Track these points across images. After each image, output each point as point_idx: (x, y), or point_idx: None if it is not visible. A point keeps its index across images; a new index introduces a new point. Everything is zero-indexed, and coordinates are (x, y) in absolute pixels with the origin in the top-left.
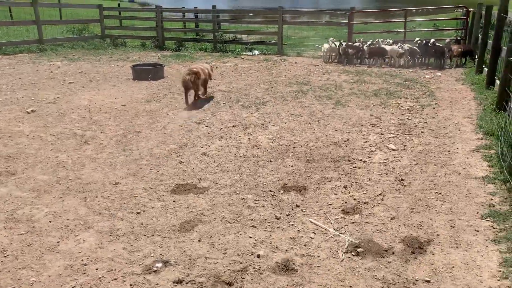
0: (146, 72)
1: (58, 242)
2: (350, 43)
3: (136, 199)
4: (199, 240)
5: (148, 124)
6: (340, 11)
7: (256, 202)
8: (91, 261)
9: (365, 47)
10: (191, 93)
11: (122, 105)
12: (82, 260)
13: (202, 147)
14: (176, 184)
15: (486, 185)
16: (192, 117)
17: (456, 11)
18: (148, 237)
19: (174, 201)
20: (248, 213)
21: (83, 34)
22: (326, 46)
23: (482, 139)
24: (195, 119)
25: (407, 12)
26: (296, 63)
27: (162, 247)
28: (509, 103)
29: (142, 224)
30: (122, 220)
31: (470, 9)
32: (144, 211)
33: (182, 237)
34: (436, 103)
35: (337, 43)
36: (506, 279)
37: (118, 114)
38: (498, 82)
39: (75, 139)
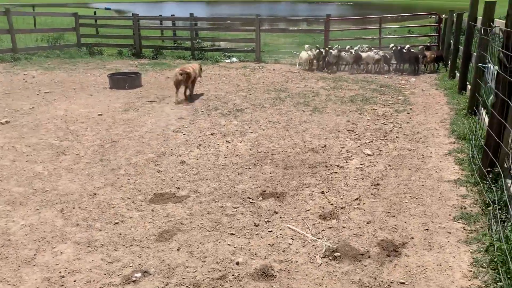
0: (123, 81)
1: (35, 254)
2: (338, 51)
3: (114, 209)
4: (178, 249)
5: (126, 134)
6: (316, 18)
7: (235, 209)
8: (69, 273)
9: (343, 54)
10: (182, 90)
11: (99, 115)
12: (59, 272)
13: (180, 156)
14: (155, 194)
15: (458, 188)
16: (170, 125)
17: (430, 17)
18: (126, 247)
19: (152, 211)
20: (227, 221)
21: (59, 42)
22: (304, 54)
23: (454, 143)
24: (173, 127)
25: (381, 19)
26: (274, 70)
27: (141, 257)
28: (480, 108)
29: (120, 234)
30: (100, 230)
31: (442, 16)
32: (122, 221)
33: (161, 246)
34: (410, 108)
35: (322, 50)
36: (476, 279)
37: (95, 124)
38: (469, 87)
39: (51, 150)
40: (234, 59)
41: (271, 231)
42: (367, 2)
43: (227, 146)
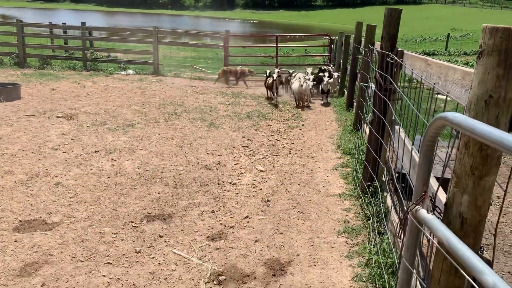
0: None
1: None
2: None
3: None
4: (43, 285)
5: None
6: (215, 34)
7: (114, 235)
8: None
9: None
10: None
11: None
12: None
13: (56, 177)
14: (20, 221)
15: (343, 202)
16: (49, 142)
17: (324, 38)
18: None
19: (15, 241)
20: (104, 249)
21: None
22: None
23: (340, 158)
24: (51, 144)
25: (277, 38)
26: (172, 83)
27: None
28: (363, 124)
29: None
30: None
31: (333, 37)
32: None
33: (21, 282)
34: (303, 125)
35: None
36: None
37: None
38: (355, 104)
39: None
40: (131, 71)
41: (153, 258)
42: (269, 21)
43: (112, 164)
